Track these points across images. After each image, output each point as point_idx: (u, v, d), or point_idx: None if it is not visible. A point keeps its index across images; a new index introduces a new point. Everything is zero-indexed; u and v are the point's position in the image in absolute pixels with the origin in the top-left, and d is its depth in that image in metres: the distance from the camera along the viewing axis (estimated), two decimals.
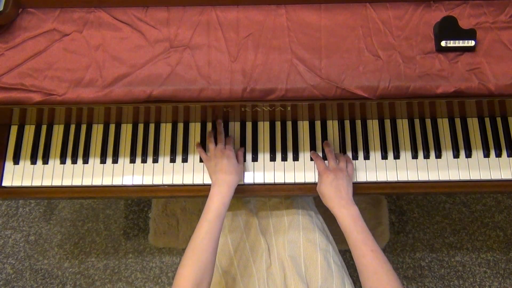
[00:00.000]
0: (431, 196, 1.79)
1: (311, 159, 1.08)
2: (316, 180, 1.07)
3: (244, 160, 1.08)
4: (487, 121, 1.10)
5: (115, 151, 1.09)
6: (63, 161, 1.09)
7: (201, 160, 1.08)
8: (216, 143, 1.05)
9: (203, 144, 1.09)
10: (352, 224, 0.90)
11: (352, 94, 0.85)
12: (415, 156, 1.07)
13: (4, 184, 1.08)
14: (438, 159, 1.07)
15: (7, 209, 1.82)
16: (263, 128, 1.11)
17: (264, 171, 1.07)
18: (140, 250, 1.74)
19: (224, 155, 1.00)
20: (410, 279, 1.68)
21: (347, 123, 1.10)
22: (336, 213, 0.93)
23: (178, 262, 1.72)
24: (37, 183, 1.07)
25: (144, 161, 1.09)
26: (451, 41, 0.86)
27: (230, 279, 1.03)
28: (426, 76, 0.85)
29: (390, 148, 1.08)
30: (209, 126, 1.11)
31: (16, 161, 1.08)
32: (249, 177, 1.07)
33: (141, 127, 1.11)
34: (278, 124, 1.10)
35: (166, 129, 1.11)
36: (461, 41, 0.86)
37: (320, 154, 1.08)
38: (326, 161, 1.05)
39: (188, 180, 1.07)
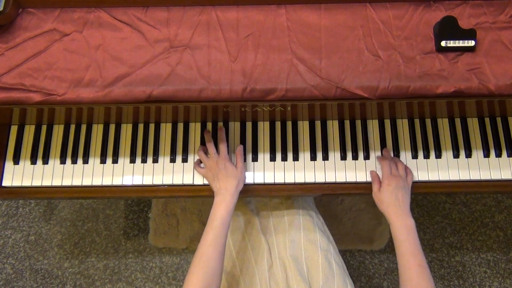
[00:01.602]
0: (431, 196, 1.79)
1: (311, 159, 1.08)
2: (317, 180, 1.06)
3: (244, 160, 1.08)
4: (487, 121, 1.10)
5: (115, 151, 1.09)
6: (63, 161, 1.09)
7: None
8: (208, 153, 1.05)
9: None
10: (406, 234, 0.90)
11: (352, 94, 0.85)
12: (415, 156, 1.07)
13: (4, 184, 1.08)
14: (438, 159, 1.07)
15: (7, 209, 1.82)
16: (263, 128, 1.11)
17: (264, 171, 1.07)
18: (140, 250, 1.74)
19: (220, 165, 1.00)
20: None
21: (347, 123, 1.10)
22: (392, 221, 0.93)
23: (178, 262, 1.72)
24: (37, 183, 1.07)
25: (144, 161, 1.09)
26: (451, 41, 0.86)
27: (232, 279, 1.04)
28: (426, 76, 0.85)
29: (390, 148, 1.08)
30: (209, 126, 1.11)
31: (16, 161, 1.08)
32: (249, 177, 1.07)
33: (141, 127, 1.11)
34: (278, 124, 1.10)
35: (166, 129, 1.11)
36: (461, 41, 0.86)
37: (320, 154, 1.08)
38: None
39: (188, 180, 1.07)
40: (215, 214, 0.93)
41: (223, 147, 1.04)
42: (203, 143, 1.09)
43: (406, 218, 0.93)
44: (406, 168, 1.04)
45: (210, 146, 1.05)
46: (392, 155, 1.08)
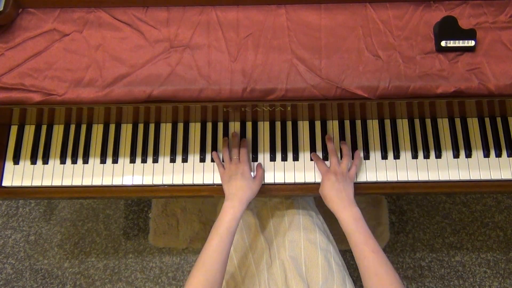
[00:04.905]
0: (431, 196, 1.79)
1: (311, 159, 1.08)
2: (316, 180, 1.07)
3: None
4: (487, 121, 1.10)
5: (115, 151, 1.09)
6: (63, 161, 1.09)
7: (201, 160, 1.08)
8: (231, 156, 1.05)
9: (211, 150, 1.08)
10: (354, 225, 0.91)
11: (352, 94, 0.85)
12: (415, 156, 1.07)
13: (4, 184, 1.08)
14: (438, 159, 1.07)
15: (7, 209, 1.82)
16: (263, 128, 1.11)
17: (264, 171, 1.07)
18: (140, 250, 1.74)
19: (239, 170, 1.00)
20: (410, 279, 1.68)
21: (347, 123, 1.10)
22: (338, 215, 0.94)
23: (178, 262, 1.72)
24: (37, 183, 1.07)
25: (144, 161, 1.09)
26: (451, 41, 0.86)
27: (231, 279, 1.04)
28: (426, 76, 0.85)
29: (390, 148, 1.08)
30: (209, 126, 1.11)
31: (16, 161, 1.08)
32: None
33: (141, 127, 1.11)
34: (278, 124, 1.10)
35: (166, 129, 1.11)
36: (461, 41, 0.86)
37: (321, 154, 1.08)
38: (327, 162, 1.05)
39: (188, 180, 1.07)
40: (222, 220, 0.93)
41: (244, 153, 1.04)
42: (203, 143, 1.08)
43: (351, 209, 0.94)
44: (351, 160, 1.04)
45: (235, 151, 1.05)
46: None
